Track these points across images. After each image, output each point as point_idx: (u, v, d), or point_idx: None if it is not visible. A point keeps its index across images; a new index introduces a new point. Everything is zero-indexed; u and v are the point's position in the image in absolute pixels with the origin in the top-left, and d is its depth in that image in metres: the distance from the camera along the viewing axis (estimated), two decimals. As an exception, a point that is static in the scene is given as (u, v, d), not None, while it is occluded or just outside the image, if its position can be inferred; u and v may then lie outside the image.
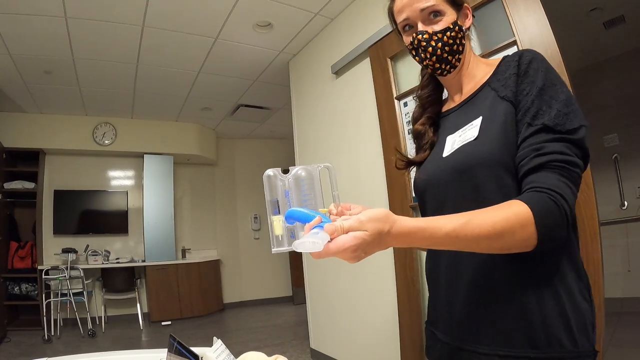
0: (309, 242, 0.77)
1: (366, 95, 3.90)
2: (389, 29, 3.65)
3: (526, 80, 1.00)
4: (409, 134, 3.37)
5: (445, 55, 1.14)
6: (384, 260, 3.57)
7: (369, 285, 3.85)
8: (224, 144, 9.28)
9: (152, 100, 6.78)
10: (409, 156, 1.33)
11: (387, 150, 3.58)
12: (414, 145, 1.35)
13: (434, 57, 1.15)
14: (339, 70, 4.33)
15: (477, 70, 1.20)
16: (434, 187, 1.17)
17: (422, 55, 1.17)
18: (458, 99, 1.23)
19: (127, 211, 7.92)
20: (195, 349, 1.17)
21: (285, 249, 0.93)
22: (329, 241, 0.78)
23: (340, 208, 1.05)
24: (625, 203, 5.04)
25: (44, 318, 5.91)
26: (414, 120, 1.35)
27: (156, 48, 4.96)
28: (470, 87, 1.19)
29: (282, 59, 5.41)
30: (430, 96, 1.33)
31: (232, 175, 9.39)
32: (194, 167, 8.88)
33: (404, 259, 3.34)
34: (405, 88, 3.44)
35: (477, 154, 1.03)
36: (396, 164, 1.36)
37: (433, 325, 1.21)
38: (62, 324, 6.32)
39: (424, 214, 1.26)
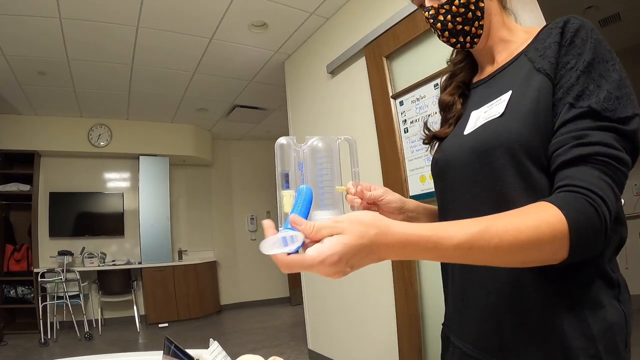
0: (275, 240, 0.67)
1: (362, 95, 3.89)
2: (385, 28, 3.66)
3: (572, 51, 0.82)
4: (405, 132, 3.36)
5: (460, 26, 1.00)
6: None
7: (366, 285, 3.84)
8: (219, 145, 9.25)
9: (148, 101, 6.76)
10: (432, 130, 1.16)
11: (383, 149, 3.57)
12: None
13: (446, 32, 1.01)
14: (335, 70, 4.32)
15: (513, 36, 1.03)
16: (449, 169, 1.01)
17: (436, 33, 1.04)
18: (490, 70, 1.06)
19: (123, 213, 7.89)
20: (191, 351, 1.16)
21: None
22: (302, 245, 0.68)
23: (360, 188, 0.96)
24: (622, 200, 5.03)
25: (41, 321, 5.89)
26: (442, 88, 1.18)
27: (151, 48, 4.94)
28: (504, 56, 1.02)
29: (278, 59, 5.39)
30: (463, 61, 1.16)
31: (228, 176, 9.37)
32: (190, 169, 8.86)
33: (401, 259, 3.32)
34: (401, 87, 3.43)
35: (499, 134, 0.86)
36: (423, 139, 1.19)
37: (447, 327, 1.08)
38: (58, 327, 6.29)
39: (437, 201, 1.11)
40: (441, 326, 1.13)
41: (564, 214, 0.69)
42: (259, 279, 9.06)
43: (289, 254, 0.68)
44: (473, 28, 1.00)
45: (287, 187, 0.84)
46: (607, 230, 0.71)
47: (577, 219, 0.69)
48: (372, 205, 1.06)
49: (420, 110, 3.21)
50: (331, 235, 0.67)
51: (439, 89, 1.25)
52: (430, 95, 3.13)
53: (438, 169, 1.07)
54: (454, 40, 1.03)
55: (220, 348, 1.18)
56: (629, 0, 4.58)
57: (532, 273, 0.80)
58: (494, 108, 0.92)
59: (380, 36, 3.58)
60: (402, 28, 3.33)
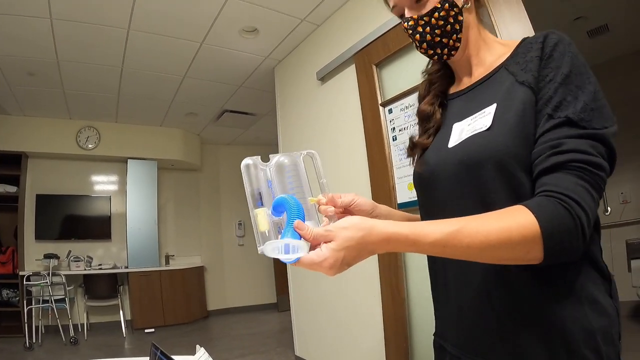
0: (278, 245, 0.74)
1: (351, 102, 3.90)
2: (375, 35, 3.68)
3: (550, 64, 0.86)
4: (393, 140, 3.37)
5: (438, 39, 1.01)
6: (368, 267, 3.55)
7: (354, 291, 3.84)
8: (208, 149, 9.22)
9: (137, 104, 6.73)
10: (414, 140, 1.17)
11: (371, 156, 3.58)
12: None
13: (424, 43, 1.03)
14: (325, 77, 4.34)
15: (489, 49, 1.06)
16: (435, 182, 1.02)
17: (414, 43, 1.05)
18: (467, 82, 1.08)
19: (110, 216, 7.81)
20: (178, 358, 1.15)
21: None
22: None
23: (331, 196, 0.98)
24: (609, 209, 5.09)
25: (25, 325, 5.81)
26: (421, 98, 1.20)
27: (142, 51, 4.92)
28: (482, 69, 1.05)
29: (268, 64, 5.40)
30: (439, 71, 1.18)
31: (217, 181, 9.34)
32: (178, 173, 8.81)
33: (388, 266, 3.33)
34: (390, 95, 3.45)
35: (489, 146, 0.88)
36: (407, 152, 1.20)
37: (441, 337, 1.08)
38: (43, 331, 6.22)
39: (421, 213, 1.14)
40: (433, 336, 1.13)
41: (535, 216, 0.73)
42: (246, 284, 9.03)
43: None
44: (451, 41, 1.02)
45: (260, 205, 0.87)
46: (584, 231, 0.74)
47: (549, 221, 0.73)
48: (345, 212, 1.07)
49: (409, 118, 3.23)
50: (326, 242, 0.78)
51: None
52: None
53: (423, 182, 1.09)
54: (432, 52, 1.05)
55: (207, 354, 1.17)
56: (617, 11, 4.65)
57: (526, 273, 0.84)
58: (479, 121, 0.94)
59: (370, 44, 3.60)
60: (392, 36, 3.35)
